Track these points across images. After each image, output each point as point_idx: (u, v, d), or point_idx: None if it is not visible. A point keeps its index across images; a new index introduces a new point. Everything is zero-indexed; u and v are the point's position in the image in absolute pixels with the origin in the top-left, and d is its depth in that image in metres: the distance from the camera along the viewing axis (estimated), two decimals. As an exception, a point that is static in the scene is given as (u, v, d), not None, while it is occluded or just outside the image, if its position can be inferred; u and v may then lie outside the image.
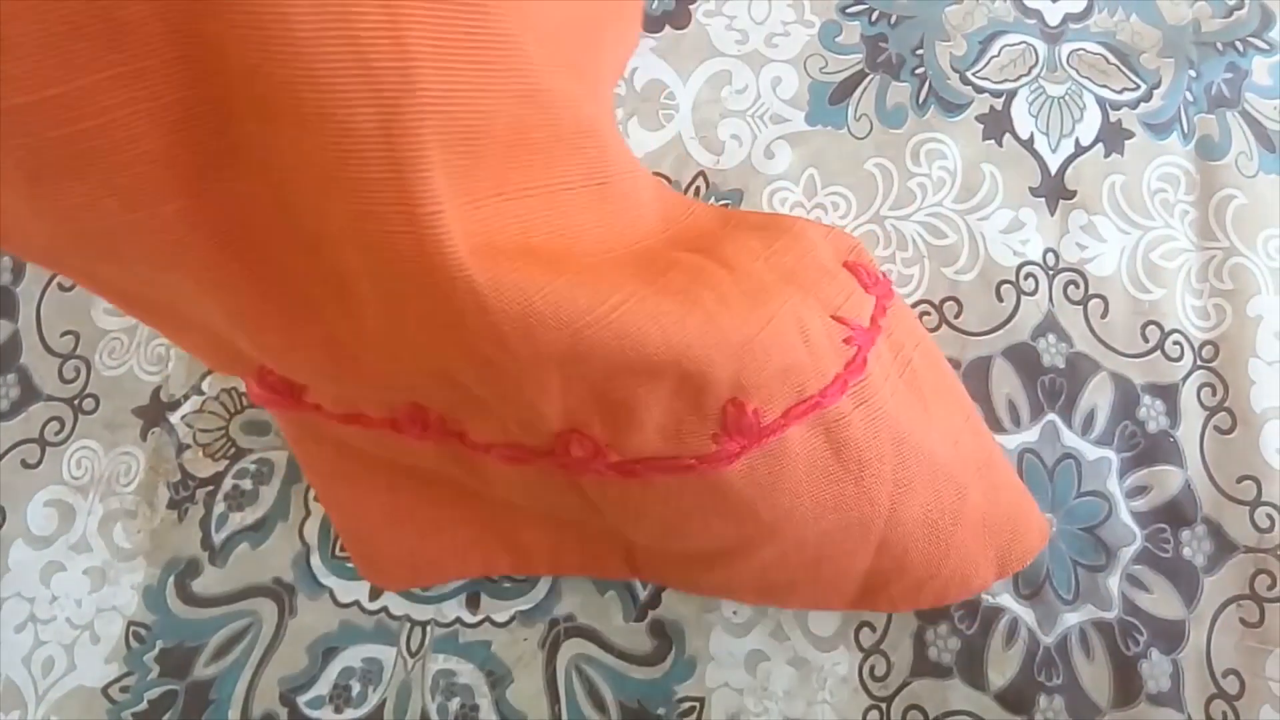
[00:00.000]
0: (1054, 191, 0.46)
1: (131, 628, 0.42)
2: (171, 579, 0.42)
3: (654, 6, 0.50)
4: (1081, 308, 0.45)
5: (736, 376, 0.30)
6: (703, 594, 0.41)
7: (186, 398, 0.45)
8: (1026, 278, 0.45)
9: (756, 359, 0.30)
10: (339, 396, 0.33)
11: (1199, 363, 0.44)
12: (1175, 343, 0.44)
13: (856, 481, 0.33)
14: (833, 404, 0.32)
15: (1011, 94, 0.48)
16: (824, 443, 0.32)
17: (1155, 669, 0.41)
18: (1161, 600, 0.41)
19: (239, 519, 0.43)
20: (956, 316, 0.44)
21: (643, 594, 0.42)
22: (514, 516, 0.39)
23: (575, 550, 0.40)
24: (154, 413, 0.44)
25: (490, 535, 0.40)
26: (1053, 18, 0.49)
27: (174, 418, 0.44)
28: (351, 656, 0.41)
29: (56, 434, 0.44)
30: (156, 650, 0.41)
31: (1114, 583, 0.42)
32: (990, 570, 0.38)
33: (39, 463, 0.44)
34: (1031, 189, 0.46)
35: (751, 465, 0.31)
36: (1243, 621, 0.41)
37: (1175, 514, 0.42)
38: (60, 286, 0.46)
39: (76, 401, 0.45)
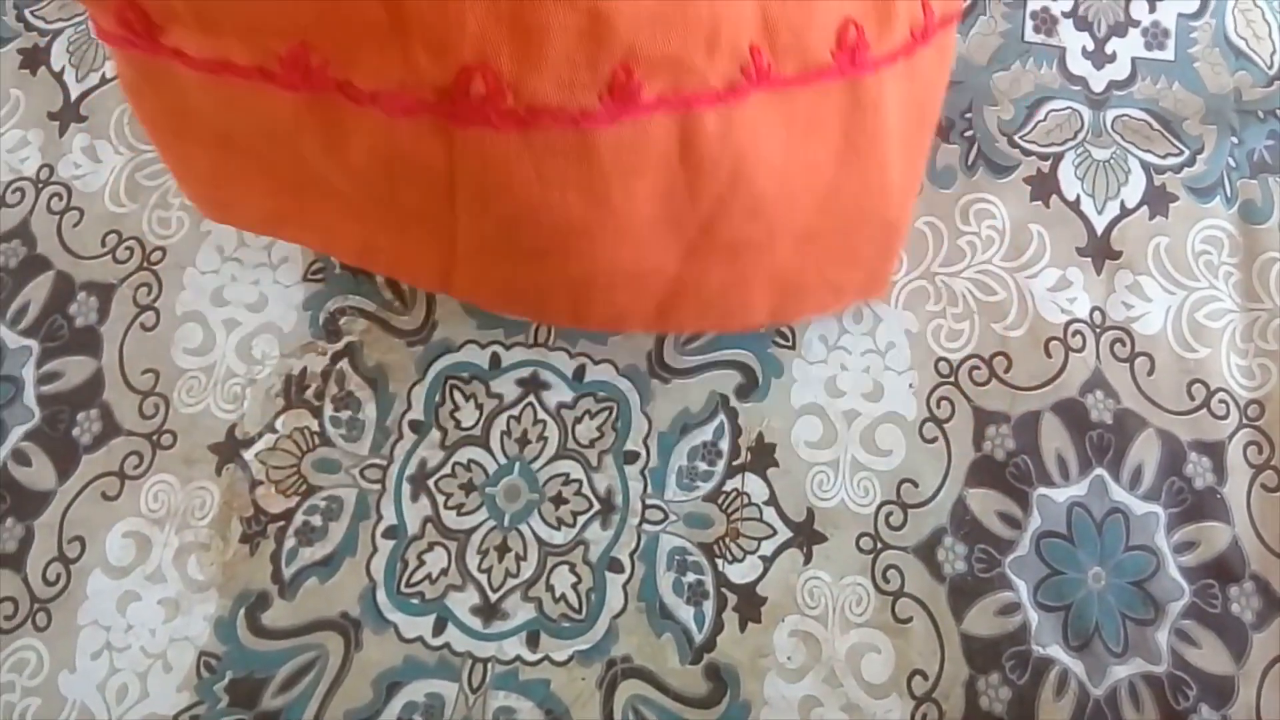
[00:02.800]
0: (1100, 251, 0.48)
1: (203, 658, 0.43)
2: (242, 611, 0.44)
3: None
4: (1128, 365, 0.46)
5: (634, 40, 0.32)
6: (515, 308, 0.43)
7: (260, 435, 0.46)
8: (1074, 335, 0.46)
9: (656, 35, 0.33)
10: (205, 41, 0.33)
11: (1245, 421, 0.45)
12: (1221, 401, 0.45)
13: (689, 186, 0.36)
14: (699, 110, 0.34)
15: (1058, 157, 0.49)
16: (677, 141, 0.35)
17: (1204, 723, 0.41)
18: (1210, 655, 0.42)
19: (308, 554, 0.45)
20: (1006, 371, 0.46)
21: (698, 637, 0.43)
22: (333, 204, 0.39)
23: (389, 246, 0.41)
24: (229, 449, 0.46)
25: (305, 210, 0.41)
26: (1097, 85, 0.51)
27: (248, 454, 0.46)
28: (414, 691, 0.43)
29: (135, 468, 0.46)
30: (226, 680, 0.43)
31: (1163, 637, 0.42)
32: (763, 315, 0.42)
33: (118, 495, 0.46)
34: (1078, 249, 0.48)
35: (620, 137, 0.34)
36: (1291, 678, 0.42)
37: (1223, 570, 0.43)
38: (142, 327, 0.48)
39: (155, 437, 0.46)
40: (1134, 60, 0.51)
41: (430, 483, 0.46)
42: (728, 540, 0.44)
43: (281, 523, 0.45)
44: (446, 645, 0.43)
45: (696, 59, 0.34)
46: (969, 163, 0.49)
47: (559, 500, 0.45)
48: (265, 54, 0.33)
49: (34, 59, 0.53)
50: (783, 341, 0.47)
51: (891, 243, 0.43)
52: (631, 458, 0.45)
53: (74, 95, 0.52)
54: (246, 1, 0.32)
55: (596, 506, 0.45)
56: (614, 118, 0.33)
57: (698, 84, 0.34)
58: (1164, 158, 0.49)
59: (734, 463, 0.45)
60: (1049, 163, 0.49)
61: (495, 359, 0.47)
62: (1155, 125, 0.50)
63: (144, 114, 0.40)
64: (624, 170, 0.35)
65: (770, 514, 0.45)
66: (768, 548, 0.44)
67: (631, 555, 0.44)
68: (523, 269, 0.39)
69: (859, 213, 0.40)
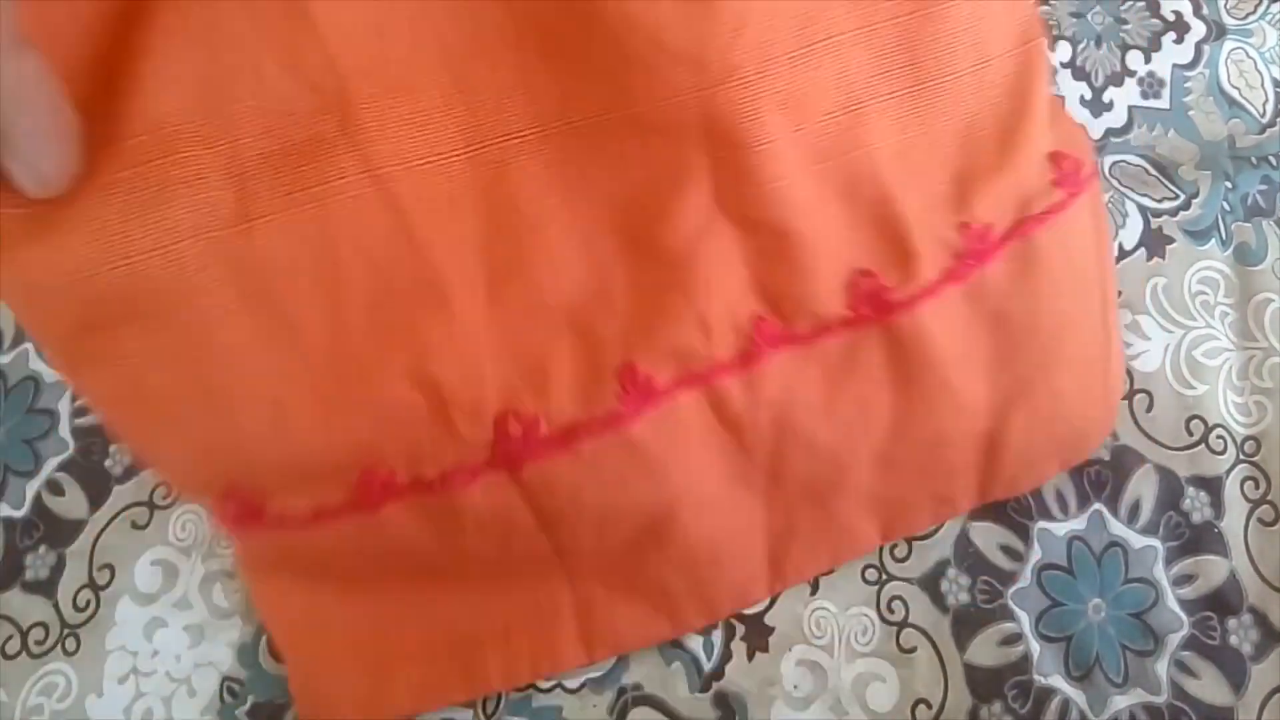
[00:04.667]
0: (1099, 292, 0.49)
1: (226, 683, 0.44)
2: (265, 637, 0.45)
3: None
4: (1127, 401, 0.47)
5: (626, 348, 0.36)
6: (650, 627, 0.43)
7: (285, 467, 0.48)
8: (1073, 373, 0.48)
9: (645, 339, 0.36)
10: (298, 498, 0.36)
11: (1241, 457, 0.46)
12: (1218, 437, 0.46)
13: (739, 444, 0.39)
14: (718, 381, 0.37)
15: (1057, 201, 0.51)
16: (710, 409, 0.38)
17: (1205, 755, 0.42)
18: (1210, 686, 0.43)
19: (329, 582, 0.46)
20: (1007, 408, 0.47)
21: (707, 665, 0.44)
22: (467, 624, 0.41)
23: (525, 639, 0.42)
24: (254, 481, 0.48)
25: (445, 657, 0.42)
26: (1095, 132, 0.53)
27: (273, 486, 0.48)
28: (430, 716, 0.44)
29: (164, 498, 0.47)
30: (249, 705, 0.44)
31: (1162, 668, 0.43)
32: (874, 539, 0.44)
33: (147, 524, 0.47)
34: (1077, 290, 0.49)
35: (655, 423, 0.36)
36: (1290, 711, 0.43)
37: (1221, 603, 0.44)
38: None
39: (184, 468, 0.48)
40: (1130, 109, 0.53)
41: (448, 513, 0.47)
42: (736, 571, 0.45)
43: (304, 551, 0.47)
44: (462, 672, 0.44)
45: (695, 344, 0.37)
46: (970, 206, 0.51)
47: (572, 531, 0.46)
48: (347, 481, 0.36)
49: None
50: (790, 378, 0.48)
51: (994, 451, 0.43)
52: (643, 490, 0.47)
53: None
54: (304, 448, 0.35)
55: (609, 537, 0.46)
56: (639, 410, 0.36)
57: (705, 362, 0.37)
58: (1160, 202, 0.51)
59: (742, 495, 0.46)
60: (1048, 206, 0.51)
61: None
62: (1152, 171, 0.52)
63: (279, 608, 0.42)
64: (672, 448, 0.37)
65: (778, 546, 0.46)
66: (775, 578, 0.45)
67: (642, 585, 0.45)
68: (636, 574, 0.41)
69: (935, 434, 0.42)
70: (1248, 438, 0.46)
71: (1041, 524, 0.45)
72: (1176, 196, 0.51)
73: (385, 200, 0.33)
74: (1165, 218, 0.51)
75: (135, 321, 0.33)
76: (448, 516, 0.37)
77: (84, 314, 0.32)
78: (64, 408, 0.49)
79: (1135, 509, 0.45)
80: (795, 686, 0.44)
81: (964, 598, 0.44)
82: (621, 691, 0.44)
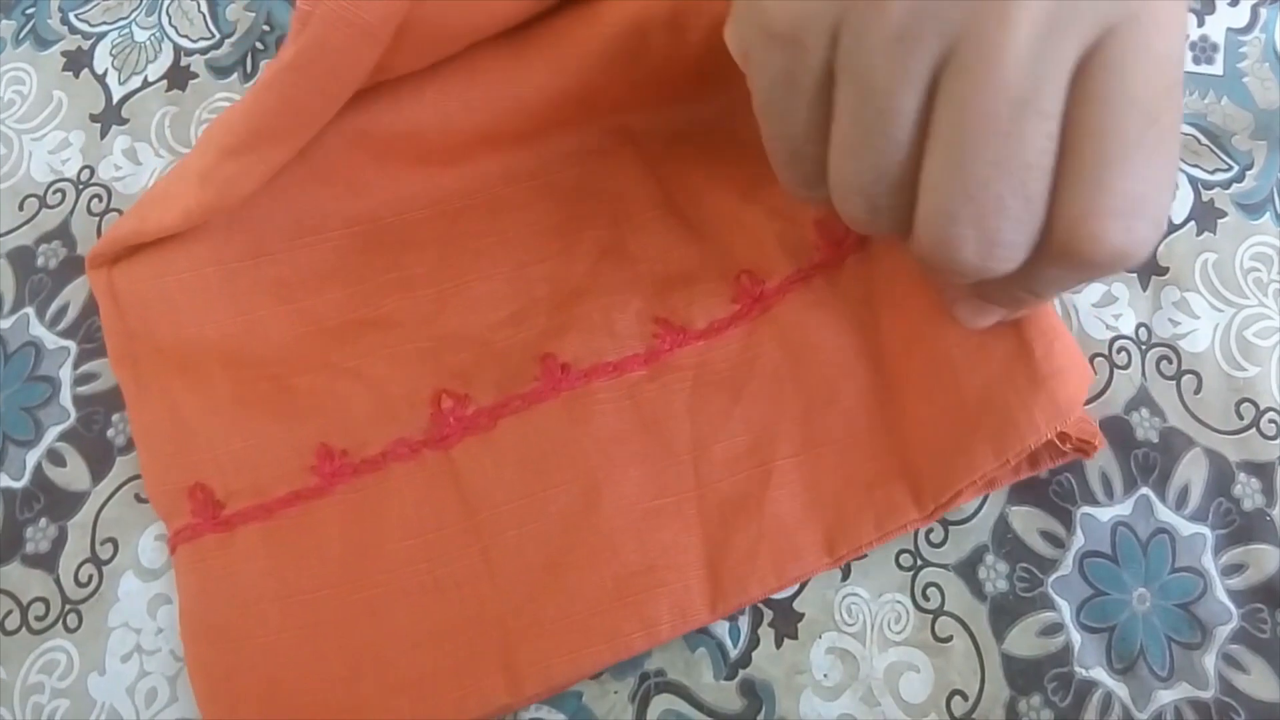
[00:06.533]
0: (1146, 268, 0.47)
1: (233, 663, 0.43)
2: (273, 616, 0.43)
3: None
4: (1175, 383, 0.45)
5: (542, 345, 0.43)
6: (584, 659, 0.40)
7: (294, 440, 0.46)
8: (1119, 351, 0.46)
9: (558, 338, 0.43)
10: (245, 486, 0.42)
11: (1295, 442, 0.44)
12: (1271, 420, 0.44)
13: (662, 447, 0.42)
14: (631, 372, 0.42)
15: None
16: (625, 398, 0.42)
17: (1252, 752, 0.40)
18: (1259, 681, 0.41)
19: (340, 560, 0.44)
20: (1050, 387, 0.45)
21: (733, 652, 0.42)
22: (391, 674, 0.40)
23: (451, 681, 0.39)
24: (263, 453, 0.46)
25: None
26: (1144, 99, 0.50)
27: (282, 459, 0.46)
28: (445, 701, 0.42)
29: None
30: (256, 686, 0.42)
31: (1210, 661, 0.41)
32: (818, 549, 0.42)
33: (151, 498, 0.45)
34: (1124, 265, 0.47)
35: (569, 403, 0.42)
36: (1342, 707, 0.41)
37: (1272, 594, 0.42)
38: (178, 329, 0.48)
39: (189, 440, 0.46)
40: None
41: (464, 490, 0.45)
42: (764, 554, 0.44)
43: (314, 528, 0.45)
44: (478, 655, 0.43)
45: (604, 343, 0.43)
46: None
47: (593, 510, 0.44)
48: (299, 472, 0.42)
49: (77, 62, 0.53)
50: (821, 353, 0.46)
51: (907, 446, 0.42)
52: (667, 469, 0.45)
53: (116, 98, 0.52)
54: (266, 433, 0.42)
55: (631, 517, 0.44)
56: (555, 390, 0.42)
57: (617, 355, 0.43)
58: (1212, 173, 0.49)
59: (771, 475, 0.45)
60: (1093, 177, 0.48)
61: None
62: (1203, 140, 0.49)
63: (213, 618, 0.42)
64: (585, 424, 0.42)
65: (807, 528, 0.44)
66: (805, 562, 0.43)
67: (666, 567, 0.44)
68: (566, 589, 0.40)
69: (846, 429, 0.43)
70: (1302, 422, 0.44)
71: (1085, 509, 0.43)
72: (1229, 168, 0.49)
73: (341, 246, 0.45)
74: (1217, 190, 0.48)
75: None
76: (383, 500, 0.41)
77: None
78: (65, 375, 0.47)
79: (1184, 494, 0.43)
80: (825, 675, 0.42)
81: (1002, 585, 0.43)
82: (644, 678, 0.42)
